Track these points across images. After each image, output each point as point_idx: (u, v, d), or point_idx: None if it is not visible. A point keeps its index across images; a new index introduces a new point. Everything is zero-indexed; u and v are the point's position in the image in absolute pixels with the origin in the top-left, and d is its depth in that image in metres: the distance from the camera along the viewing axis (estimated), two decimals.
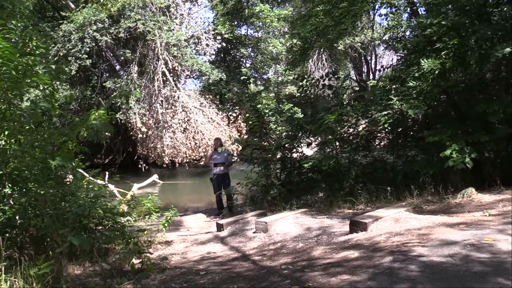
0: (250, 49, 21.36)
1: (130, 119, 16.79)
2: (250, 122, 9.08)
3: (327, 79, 8.93)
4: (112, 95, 16.46)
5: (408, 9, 8.40)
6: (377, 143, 8.59)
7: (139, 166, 18.10)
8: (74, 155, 4.51)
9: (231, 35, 19.11)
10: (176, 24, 17.91)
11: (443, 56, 6.03)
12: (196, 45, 18.17)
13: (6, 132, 4.23)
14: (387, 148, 8.09)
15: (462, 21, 6.12)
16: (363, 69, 27.31)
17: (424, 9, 7.86)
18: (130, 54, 16.94)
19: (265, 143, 9.02)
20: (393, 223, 4.57)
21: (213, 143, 10.39)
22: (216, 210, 8.91)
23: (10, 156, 4.29)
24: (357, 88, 24.16)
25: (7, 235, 4.23)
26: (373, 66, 25.59)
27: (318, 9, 9.26)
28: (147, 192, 11.02)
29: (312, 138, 8.90)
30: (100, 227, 4.93)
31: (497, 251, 3.19)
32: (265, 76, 22.36)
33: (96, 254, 4.25)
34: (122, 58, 17.82)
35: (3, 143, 4.30)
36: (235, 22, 20.12)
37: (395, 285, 2.78)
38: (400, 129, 7.55)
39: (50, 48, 13.16)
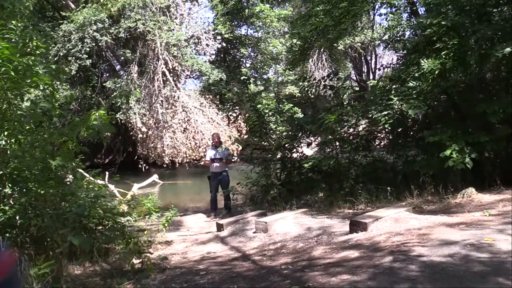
0: (250, 49, 21.37)
1: (130, 119, 16.79)
2: (250, 122, 9.06)
3: (328, 79, 8.93)
4: (112, 95, 16.45)
5: (408, 9, 8.41)
6: (377, 143, 8.58)
7: (139, 166, 18.09)
8: (74, 155, 4.51)
9: (231, 35, 19.13)
10: (176, 24, 17.92)
11: (443, 56, 6.03)
12: (196, 45, 18.19)
13: (6, 132, 4.23)
14: (387, 148, 8.10)
15: (462, 21, 6.12)
16: (363, 69, 27.32)
17: (424, 9, 7.87)
18: (130, 54, 16.95)
19: (265, 143, 9.01)
20: (393, 223, 4.57)
21: (212, 141, 9.13)
22: (216, 210, 8.56)
23: (10, 156, 4.29)
24: (357, 88, 24.15)
25: (7, 235, 4.23)
26: (373, 66, 25.60)
27: (318, 9, 9.30)
28: (147, 192, 11.00)
29: (312, 138, 8.90)
30: (100, 227, 4.93)
31: (497, 251, 3.19)
32: (265, 76, 22.37)
33: (96, 254, 4.24)
34: (122, 58, 17.83)
35: (3, 143, 4.30)
36: (235, 22, 20.13)
37: (395, 285, 2.78)
38: (400, 129, 7.55)
39: (50, 48, 13.14)
